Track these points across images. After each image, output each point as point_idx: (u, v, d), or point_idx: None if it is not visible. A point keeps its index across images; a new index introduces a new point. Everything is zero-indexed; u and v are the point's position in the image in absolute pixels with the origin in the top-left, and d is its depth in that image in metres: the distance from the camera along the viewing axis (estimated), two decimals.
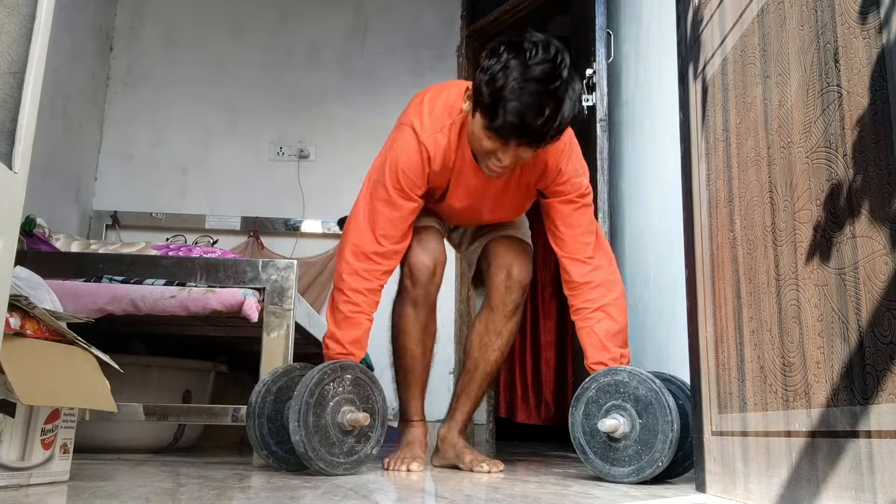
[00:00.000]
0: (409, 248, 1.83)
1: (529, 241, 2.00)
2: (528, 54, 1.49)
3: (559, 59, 1.50)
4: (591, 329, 1.72)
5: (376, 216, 1.75)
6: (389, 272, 1.80)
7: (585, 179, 1.81)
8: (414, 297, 1.85)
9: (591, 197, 1.82)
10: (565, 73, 1.50)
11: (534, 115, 1.48)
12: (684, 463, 1.57)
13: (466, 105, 1.66)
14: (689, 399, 1.57)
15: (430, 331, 1.92)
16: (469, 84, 1.68)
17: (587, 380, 1.64)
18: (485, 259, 1.98)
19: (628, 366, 1.65)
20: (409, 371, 1.89)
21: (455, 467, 1.86)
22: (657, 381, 1.55)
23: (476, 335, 1.92)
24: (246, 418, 1.68)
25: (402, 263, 1.86)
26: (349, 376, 1.63)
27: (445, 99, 1.76)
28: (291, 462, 1.65)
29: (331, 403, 1.59)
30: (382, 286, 1.79)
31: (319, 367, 1.60)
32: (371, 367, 2.82)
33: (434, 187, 1.80)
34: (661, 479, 1.57)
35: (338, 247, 1.88)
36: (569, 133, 1.76)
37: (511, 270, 1.88)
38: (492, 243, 1.96)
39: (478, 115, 1.58)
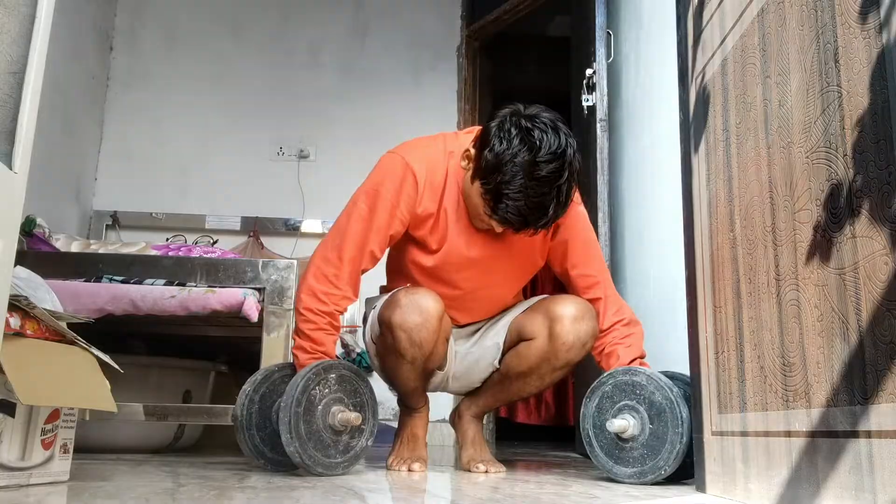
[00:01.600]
0: (394, 306, 1.63)
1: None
2: (537, 147, 1.49)
3: (567, 151, 1.51)
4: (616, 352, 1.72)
5: (345, 238, 1.68)
6: (348, 299, 1.69)
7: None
8: (412, 358, 1.65)
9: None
10: (573, 166, 1.52)
11: (537, 216, 1.52)
12: (692, 468, 1.58)
13: (465, 164, 1.65)
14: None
15: (437, 360, 1.73)
16: (462, 140, 1.70)
17: (605, 375, 1.64)
18: (530, 323, 1.73)
19: (649, 368, 1.64)
20: (408, 388, 1.79)
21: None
22: (675, 389, 1.54)
23: (523, 361, 1.73)
24: (235, 433, 1.65)
25: (383, 323, 1.66)
26: (333, 375, 1.61)
27: (429, 139, 1.77)
28: (289, 465, 1.65)
29: (319, 407, 1.57)
30: (340, 312, 1.69)
31: (302, 372, 1.57)
32: (371, 370, 2.82)
33: (424, 214, 1.70)
34: (671, 480, 1.56)
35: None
36: (576, 197, 1.73)
37: (579, 323, 1.66)
38: (541, 302, 1.75)
39: (477, 183, 1.58)
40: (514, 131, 1.51)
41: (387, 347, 1.68)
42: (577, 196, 1.76)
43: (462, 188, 1.69)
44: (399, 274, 1.84)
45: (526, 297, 1.92)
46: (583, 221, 1.81)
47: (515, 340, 1.76)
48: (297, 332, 1.69)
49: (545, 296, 1.82)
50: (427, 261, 1.74)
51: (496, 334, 1.81)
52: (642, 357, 1.73)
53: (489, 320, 1.87)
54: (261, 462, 1.65)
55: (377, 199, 1.68)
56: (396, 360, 1.67)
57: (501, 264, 1.76)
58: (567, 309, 1.67)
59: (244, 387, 1.69)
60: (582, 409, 1.64)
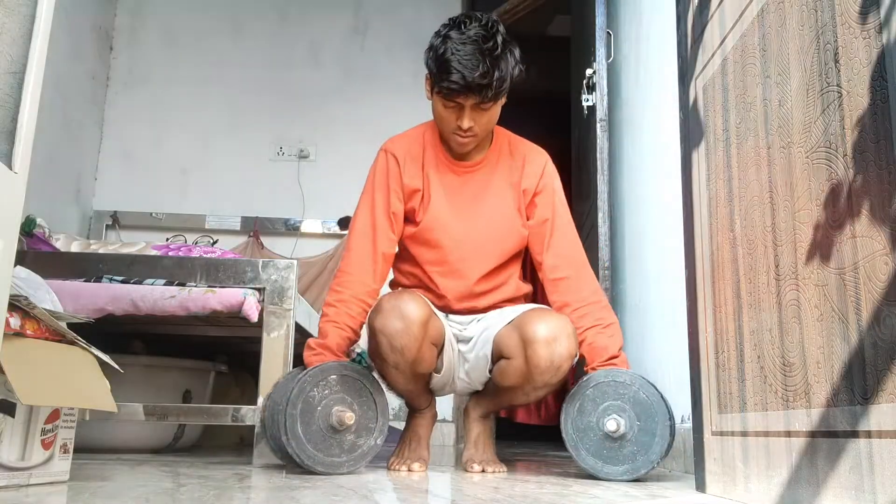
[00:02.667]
0: (377, 311, 1.65)
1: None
2: (462, 25, 1.70)
3: (492, 26, 1.69)
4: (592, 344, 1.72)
5: (350, 249, 1.80)
6: (362, 289, 1.76)
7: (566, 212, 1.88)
8: (395, 363, 1.64)
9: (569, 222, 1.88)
10: (499, 38, 1.68)
11: (472, 70, 1.65)
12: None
13: (426, 91, 1.81)
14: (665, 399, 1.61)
15: (426, 365, 1.70)
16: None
17: (584, 378, 1.64)
18: (507, 342, 1.72)
19: (628, 368, 1.65)
20: (405, 391, 1.78)
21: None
22: (657, 386, 1.59)
23: (506, 378, 1.72)
24: (259, 426, 1.71)
25: (369, 328, 1.67)
26: (333, 377, 1.62)
27: (411, 129, 1.94)
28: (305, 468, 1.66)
29: (319, 408, 1.59)
30: (355, 298, 1.74)
31: (300, 375, 1.60)
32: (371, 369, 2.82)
33: (411, 187, 1.82)
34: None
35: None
36: (553, 170, 1.89)
37: (552, 346, 1.61)
38: (519, 318, 1.72)
39: (435, 91, 1.75)
40: (443, 26, 1.74)
41: (373, 352, 1.68)
42: (551, 167, 1.89)
43: (435, 123, 1.83)
44: (397, 259, 1.91)
45: (529, 297, 1.92)
46: (560, 204, 1.86)
47: (498, 356, 1.75)
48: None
49: (529, 307, 1.79)
50: (412, 228, 1.84)
51: (484, 345, 1.80)
52: (622, 346, 1.72)
53: (481, 322, 1.85)
54: (280, 456, 1.70)
55: (373, 190, 1.83)
56: (382, 364, 1.67)
57: (480, 213, 1.83)
58: (540, 330, 1.62)
59: (270, 388, 1.77)
60: (562, 415, 1.64)
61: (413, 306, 1.61)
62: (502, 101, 1.77)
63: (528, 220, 1.85)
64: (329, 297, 1.76)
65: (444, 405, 3.50)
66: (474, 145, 1.80)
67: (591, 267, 1.86)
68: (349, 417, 1.58)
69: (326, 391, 1.60)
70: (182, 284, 2.09)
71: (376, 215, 1.80)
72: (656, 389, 1.58)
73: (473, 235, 1.82)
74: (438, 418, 1.99)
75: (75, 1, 3.40)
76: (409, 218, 1.85)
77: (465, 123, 1.72)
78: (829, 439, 0.91)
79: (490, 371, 1.80)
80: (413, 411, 1.88)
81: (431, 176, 1.84)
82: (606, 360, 1.66)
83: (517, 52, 1.73)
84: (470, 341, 1.85)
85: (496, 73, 1.66)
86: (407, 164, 1.83)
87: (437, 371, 1.80)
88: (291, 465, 1.68)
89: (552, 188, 1.86)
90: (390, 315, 1.60)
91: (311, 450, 1.55)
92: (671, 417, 1.56)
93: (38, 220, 2.37)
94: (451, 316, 1.86)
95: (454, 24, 1.72)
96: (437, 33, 1.74)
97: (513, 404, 1.85)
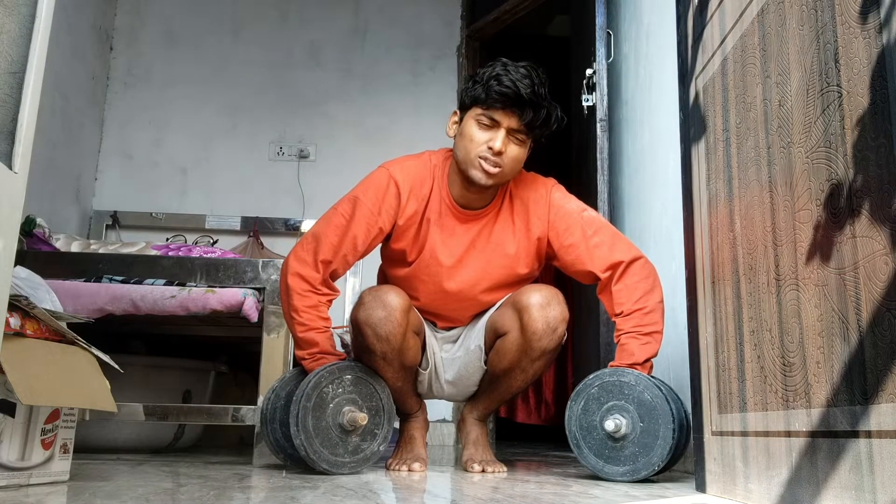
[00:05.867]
0: (359, 305, 1.67)
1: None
2: (507, 62, 1.71)
3: (532, 69, 1.70)
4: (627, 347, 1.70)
5: (321, 241, 1.73)
6: (329, 294, 1.75)
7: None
8: (383, 353, 1.66)
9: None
10: (540, 77, 1.70)
11: (523, 84, 1.66)
12: (673, 465, 1.62)
13: (453, 127, 1.78)
14: (676, 402, 1.59)
15: (411, 354, 1.74)
16: (444, 154, 1.84)
17: (591, 376, 1.64)
18: (501, 318, 1.76)
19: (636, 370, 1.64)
20: (395, 388, 1.76)
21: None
22: (663, 387, 1.58)
23: (503, 357, 1.74)
24: (260, 425, 1.70)
25: (353, 324, 1.69)
26: (349, 377, 1.64)
27: (415, 156, 1.85)
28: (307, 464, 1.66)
29: (331, 405, 1.60)
30: (324, 303, 1.74)
31: (317, 370, 1.62)
32: None
33: (406, 224, 1.77)
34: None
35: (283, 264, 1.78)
36: (555, 194, 1.83)
37: (546, 310, 1.66)
38: (510, 297, 1.77)
39: (469, 112, 1.73)
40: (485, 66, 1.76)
41: (360, 347, 1.70)
42: (553, 193, 1.83)
43: (455, 153, 1.77)
44: (383, 282, 1.90)
45: None
46: (574, 212, 1.81)
47: (493, 339, 1.78)
48: (294, 338, 1.75)
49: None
50: (403, 271, 1.81)
51: (476, 337, 1.83)
52: (653, 356, 1.69)
53: (469, 325, 1.89)
54: (280, 457, 1.71)
55: (357, 206, 1.75)
56: (371, 357, 1.68)
57: (475, 263, 1.80)
58: (533, 298, 1.68)
59: (272, 383, 1.76)
60: (567, 412, 1.65)
61: (393, 295, 1.66)
62: (531, 146, 1.76)
63: (556, 257, 1.81)
64: (298, 301, 1.71)
65: (444, 404, 3.50)
66: (492, 182, 1.71)
67: (626, 238, 1.84)
68: (362, 419, 1.60)
69: (340, 389, 1.62)
70: (182, 284, 2.09)
71: (347, 238, 1.74)
72: (662, 392, 1.55)
73: (466, 285, 1.80)
74: (438, 417, 1.99)
75: (75, 1, 3.40)
76: (400, 258, 1.81)
77: (498, 144, 1.67)
78: (829, 439, 0.91)
79: (485, 362, 1.81)
80: (405, 417, 1.89)
81: (431, 217, 1.78)
82: (627, 365, 1.66)
83: (545, 83, 1.73)
84: (455, 343, 1.88)
85: (543, 102, 1.69)
86: (409, 202, 1.77)
87: (423, 368, 1.84)
88: (291, 462, 1.69)
89: (563, 211, 1.81)
90: (372, 305, 1.65)
91: (318, 445, 1.57)
92: (675, 420, 1.53)
93: (38, 220, 2.36)
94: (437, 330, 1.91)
95: (497, 62, 1.73)
96: (482, 67, 1.74)
97: (511, 391, 1.82)
